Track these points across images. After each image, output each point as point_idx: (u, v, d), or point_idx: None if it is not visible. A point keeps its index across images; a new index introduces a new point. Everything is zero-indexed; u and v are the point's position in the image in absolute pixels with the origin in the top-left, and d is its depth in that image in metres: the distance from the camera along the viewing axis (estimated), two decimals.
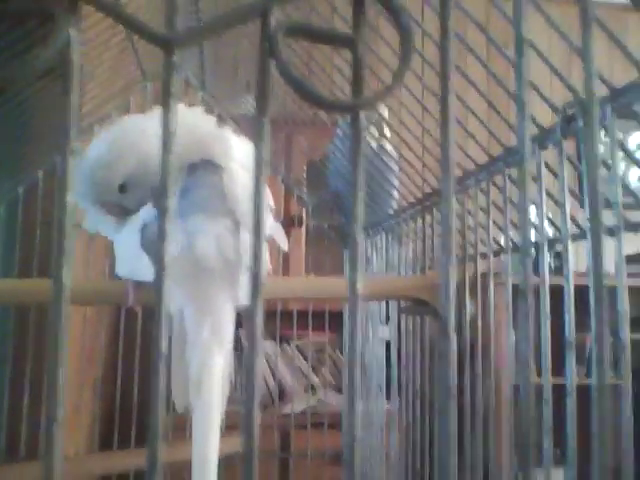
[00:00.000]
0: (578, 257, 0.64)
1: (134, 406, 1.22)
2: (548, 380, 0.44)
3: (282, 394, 2.09)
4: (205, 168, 0.60)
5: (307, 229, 2.02)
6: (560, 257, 0.48)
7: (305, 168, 2.08)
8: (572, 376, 0.46)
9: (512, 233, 0.58)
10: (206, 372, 0.55)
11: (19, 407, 1.05)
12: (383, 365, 1.12)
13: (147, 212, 0.60)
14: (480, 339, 0.64)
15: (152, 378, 0.20)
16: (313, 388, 2.13)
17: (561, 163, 0.42)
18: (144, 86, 1.09)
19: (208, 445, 0.53)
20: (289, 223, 2.09)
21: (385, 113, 0.99)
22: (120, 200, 0.59)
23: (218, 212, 0.59)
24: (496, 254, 0.57)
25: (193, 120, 0.63)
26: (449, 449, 0.21)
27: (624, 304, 0.40)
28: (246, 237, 0.61)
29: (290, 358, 2.16)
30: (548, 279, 0.47)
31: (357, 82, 0.20)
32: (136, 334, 1.20)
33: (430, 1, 0.56)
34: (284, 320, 1.52)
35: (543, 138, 0.45)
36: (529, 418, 0.26)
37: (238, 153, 0.62)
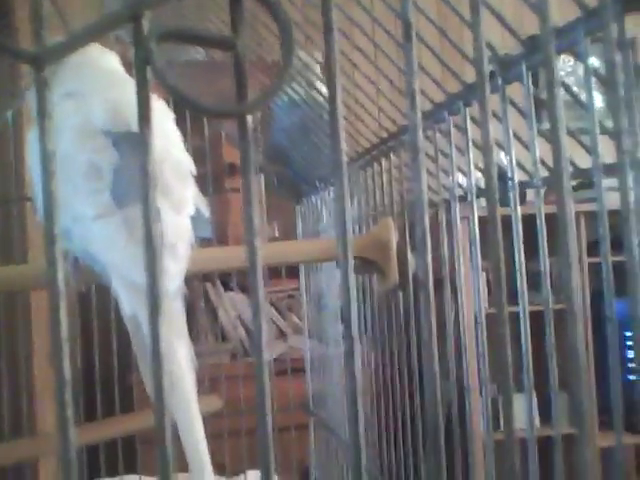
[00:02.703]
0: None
1: (115, 373, 1.23)
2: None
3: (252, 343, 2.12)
4: (129, 142, 0.58)
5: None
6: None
7: (260, 115, 2.03)
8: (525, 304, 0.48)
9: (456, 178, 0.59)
10: (175, 367, 0.56)
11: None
12: (338, 308, 1.14)
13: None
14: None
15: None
16: (283, 335, 2.17)
17: (485, 118, 0.42)
18: None
19: (195, 432, 0.56)
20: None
21: (317, 61, 0.97)
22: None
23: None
24: (462, 199, 0.56)
25: (112, 87, 0.61)
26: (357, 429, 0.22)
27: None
28: (174, 216, 0.59)
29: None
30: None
31: (241, 86, 0.20)
32: (109, 307, 1.19)
33: None
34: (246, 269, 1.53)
35: (467, 95, 0.45)
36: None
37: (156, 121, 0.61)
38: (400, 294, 0.66)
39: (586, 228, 2.17)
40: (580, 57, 0.34)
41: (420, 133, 0.22)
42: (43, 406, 1.30)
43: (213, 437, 0.65)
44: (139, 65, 0.19)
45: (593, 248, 2.05)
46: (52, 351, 0.22)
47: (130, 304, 0.56)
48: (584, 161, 0.48)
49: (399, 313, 0.69)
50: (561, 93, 0.36)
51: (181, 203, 0.60)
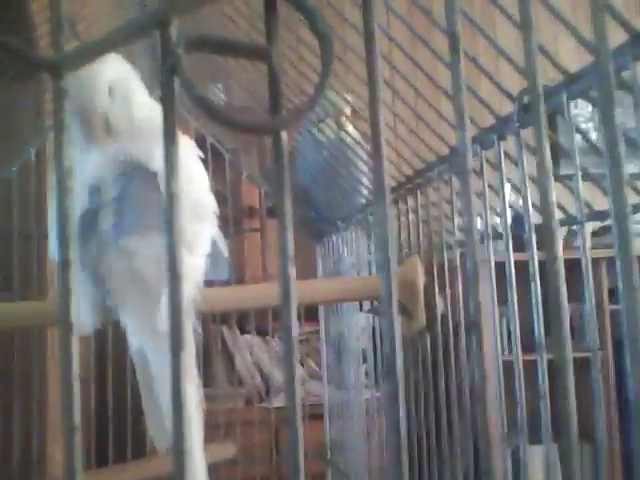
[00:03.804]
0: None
1: (128, 417, 1.20)
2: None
3: (268, 388, 2.07)
4: (141, 176, 0.57)
5: None
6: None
7: None
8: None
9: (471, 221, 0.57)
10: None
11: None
12: (360, 352, 1.11)
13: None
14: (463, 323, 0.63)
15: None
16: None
17: (520, 152, 0.40)
18: None
19: (197, 477, 0.53)
20: (259, 213, 2.06)
21: (347, 104, 0.97)
22: (107, 109, 0.58)
23: (155, 228, 0.56)
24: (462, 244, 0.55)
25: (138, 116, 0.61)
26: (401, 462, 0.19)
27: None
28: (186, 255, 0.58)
29: (275, 351, 2.14)
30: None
31: (275, 99, 0.18)
32: (125, 346, 1.17)
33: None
34: (264, 312, 1.51)
35: (501, 128, 0.43)
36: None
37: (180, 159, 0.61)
38: (427, 337, 0.63)
39: (608, 274, 2.09)
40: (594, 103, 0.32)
41: (470, 157, 0.20)
42: (54, 450, 1.26)
43: None
44: (166, 75, 0.18)
45: (615, 294, 1.98)
46: (62, 388, 0.20)
47: (136, 336, 0.55)
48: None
49: (426, 357, 0.66)
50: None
51: (194, 241, 0.59)
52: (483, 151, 0.48)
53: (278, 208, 0.18)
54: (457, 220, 0.61)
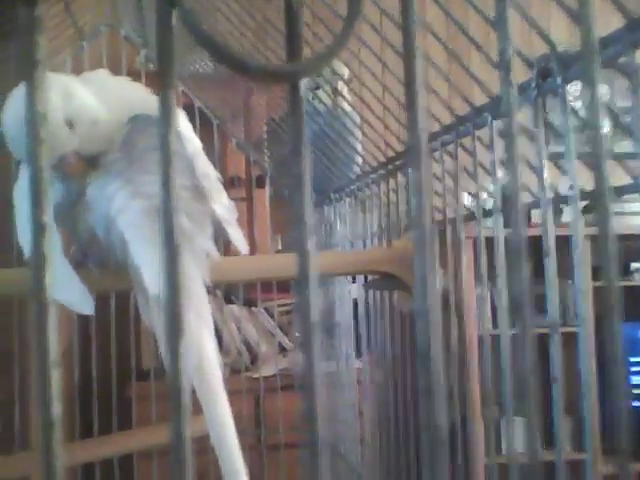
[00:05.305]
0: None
1: (113, 393, 1.18)
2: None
3: (253, 358, 2.07)
4: (149, 124, 0.55)
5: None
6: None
7: (266, 127, 1.99)
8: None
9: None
10: (205, 360, 0.54)
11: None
12: (351, 324, 1.10)
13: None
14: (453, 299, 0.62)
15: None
16: (284, 350, 2.11)
17: (539, 124, 0.38)
18: (80, 46, 1.00)
19: (226, 431, 0.54)
20: (249, 184, 2.02)
21: (345, 71, 0.93)
22: (73, 143, 0.53)
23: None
24: (466, 219, 0.54)
25: (120, 83, 0.59)
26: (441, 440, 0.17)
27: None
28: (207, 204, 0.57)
29: (259, 321, 2.13)
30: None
31: (293, 42, 0.15)
32: (109, 319, 1.14)
33: None
34: (252, 283, 1.49)
35: (493, 107, 0.41)
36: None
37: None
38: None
39: (591, 252, 2.06)
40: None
41: (517, 113, 0.18)
42: (37, 418, 1.24)
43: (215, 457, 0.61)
44: (162, 7, 0.15)
45: (598, 272, 1.94)
46: (37, 378, 0.18)
47: (155, 277, 0.52)
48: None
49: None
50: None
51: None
52: (475, 131, 0.47)
53: (295, 167, 0.15)
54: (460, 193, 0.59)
